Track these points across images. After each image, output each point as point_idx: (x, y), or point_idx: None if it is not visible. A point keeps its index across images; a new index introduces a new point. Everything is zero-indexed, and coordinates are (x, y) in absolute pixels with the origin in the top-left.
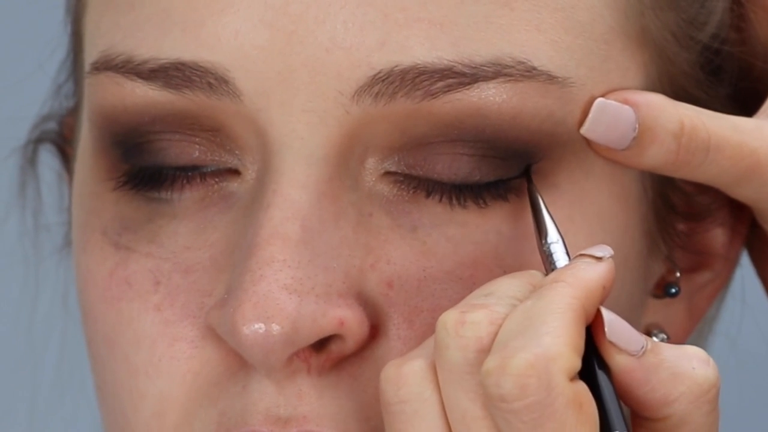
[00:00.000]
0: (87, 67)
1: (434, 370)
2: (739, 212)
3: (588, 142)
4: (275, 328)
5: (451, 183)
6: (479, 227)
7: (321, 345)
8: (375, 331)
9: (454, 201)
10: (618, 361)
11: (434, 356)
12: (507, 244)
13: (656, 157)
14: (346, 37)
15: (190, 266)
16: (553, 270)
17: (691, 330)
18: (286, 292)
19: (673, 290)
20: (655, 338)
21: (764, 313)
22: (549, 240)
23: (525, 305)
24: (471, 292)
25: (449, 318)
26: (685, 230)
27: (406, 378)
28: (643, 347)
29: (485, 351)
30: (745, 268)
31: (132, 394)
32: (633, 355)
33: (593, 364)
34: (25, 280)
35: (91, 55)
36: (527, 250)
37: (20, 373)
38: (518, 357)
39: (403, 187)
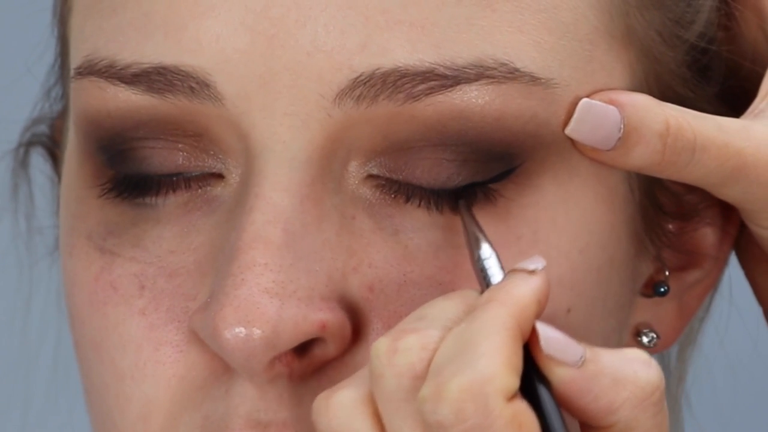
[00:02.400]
0: (71, 71)
1: (367, 399)
2: (728, 211)
3: (573, 143)
4: (256, 332)
5: (430, 188)
6: (460, 232)
7: (303, 349)
8: (356, 335)
9: (432, 206)
10: (557, 373)
11: (370, 385)
12: None
13: (642, 157)
14: (327, 40)
15: (174, 270)
16: (487, 286)
17: (682, 329)
18: (268, 296)
19: (662, 289)
20: (645, 338)
21: (751, 313)
22: (482, 256)
23: (459, 328)
24: None
25: (381, 346)
26: (674, 230)
27: (335, 410)
28: (582, 356)
29: (420, 377)
30: (733, 268)
31: (118, 397)
32: (572, 366)
33: (533, 379)
34: (18, 283)
35: (75, 60)
36: (508, 255)
37: (14, 376)
38: (453, 382)
39: (385, 190)
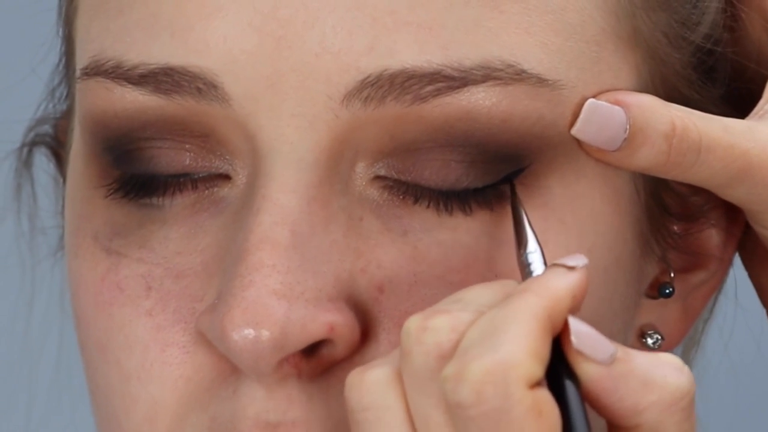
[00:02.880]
0: (77, 72)
1: (399, 377)
2: (733, 212)
3: (579, 144)
4: (264, 333)
5: (438, 189)
6: (470, 232)
7: (311, 350)
8: (365, 335)
9: (441, 207)
10: (586, 369)
11: (399, 362)
12: (498, 248)
13: (647, 158)
14: (334, 41)
15: (181, 271)
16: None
17: (687, 330)
18: (276, 298)
19: (668, 290)
20: (649, 339)
21: (755, 314)
22: (528, 249)
23: (490, 313)
24: None
25: (412, 324)
26: (679, 231)
27: (368, 385)
28: (612, 355)
29: (446, 357)
30: (736, 269)
31: (124, 398)
32: (602, 363)
33: (561, 372)
34: (21, 283)
35: (81, 60)
36: (515, 254)
37: (17, 376)
38: (475, 364)
39: (393, 192)
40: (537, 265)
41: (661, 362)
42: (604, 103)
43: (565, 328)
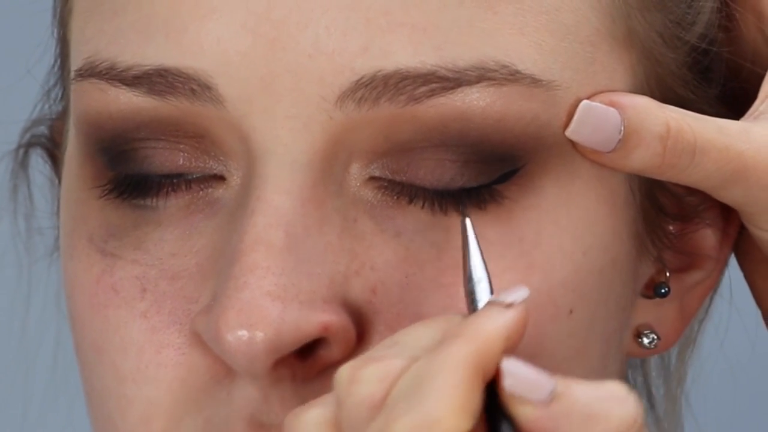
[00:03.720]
0: (72, 73)
1: (332, 420)
2: (728, 213)
3: (574, 145)
4: (259, 335)
5: (433, 189)
6: (463, 236)
7: (306, 352)
8: (360, 338)
9: (436, 207)
10: (522, 411)
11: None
12: (489, 249)
13: (642, 159)
14: (328, 42)
15: (176, 273)
16: (473, 311)
17: (683, 330)
18: (270, 299)
19: (663, 290)
20: (645, 339)
21: (750, 314)
22: (474, 279)
23: (420, 363)
24: (452, 299)
25: (343, 373)
26: (675, 231)
27: (302, 428)
28: (551, 392)
29: (378, 408)
30: (732, 269)
31: (119, 400)
32: (539, 403)
33: (497, 418)
34: (17, 283)
35: (76, 62)
36: (510, 257)
37: (13, 376)
38: (400, 422)
39: (387, 192)
40: (482, 295)
41: (603, 395)
42: (598, 104)
43: (498, 371)
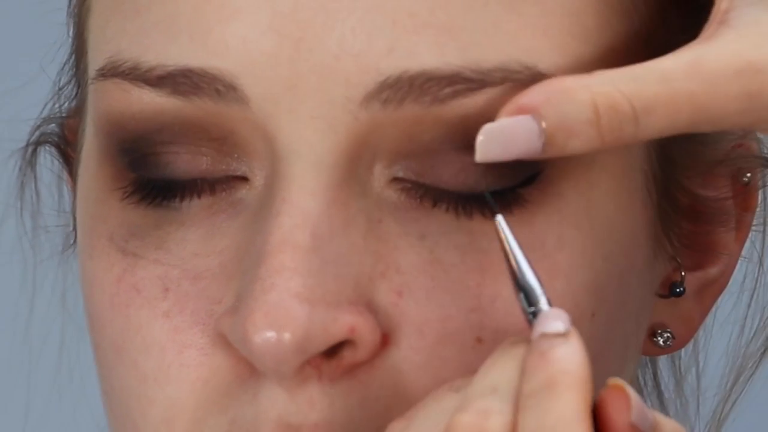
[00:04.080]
0: (92, 73)
1: None
2: (744, 203)
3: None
4: (286, 336)
5: (457, 192)
6: (486, 235)
7: (332, 352)
8: (386, 339)
9: (460, 211)
10: None
11: None
12: None
13: (581, 147)
14: (354, 43)
15: (199, 273)
16: (533, 316)
17: (697, 328)
18: (297, 301)
19: (679, 290)
20: (660, 338)
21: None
22: (526, 284)
23: (531, 421)
24: (478, 299)
25: (464, 422)
26: (690, 229)
27: None
28: (652, 425)
29: None
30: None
31: (141, 400)
32: None
33: None
34: (23, 282)
35: (96, 61)
36: (534, 259)
37: (17, 375)
38: None
39: (411, 194)
40: (542, 305)
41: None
42: (499, 122)
43: (611, 399)
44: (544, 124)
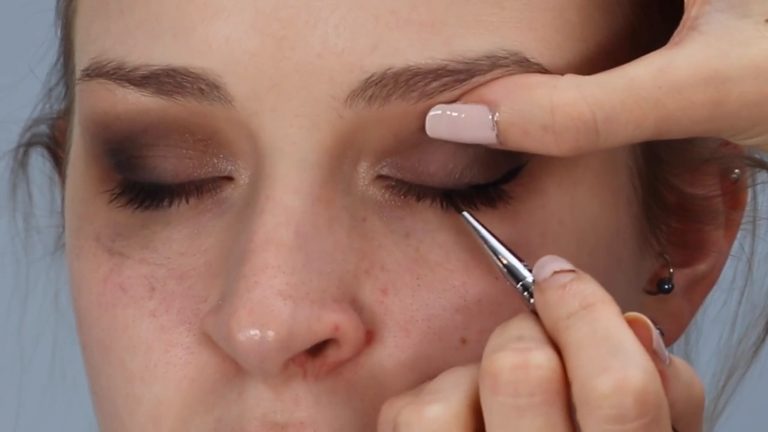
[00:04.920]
0: (78, 73)
1: (462, 414)
2: (732, 200)
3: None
4: (270, 334)
5: (442, 187)
6: (470, 234)
7: (317, 350)
8: (370, 337)
9: (444, 207)
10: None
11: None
12: None
13: (537, 148)
14: (337, 41)
15: (184, 272)
16: (524, 288)
17: (686, 325)
18: (281, 298)
19: (667, 287)
20: None
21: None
22: (513, 268)
23: (582, 333)
24: (463, 299)
25: (506, 360)
26: (678, 226)
27: (429, 423)
28: (667, 356)
29: (557, 388)
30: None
31: (128, 399)
32: (664, 364)
33: None
34: (16, 282)
35: (81, 62)
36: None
37: (10, 375)
38: (635, 376)
39: (395, 192)
40: (527, 275)
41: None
42: (454, 105)
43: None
44: (497, 117)
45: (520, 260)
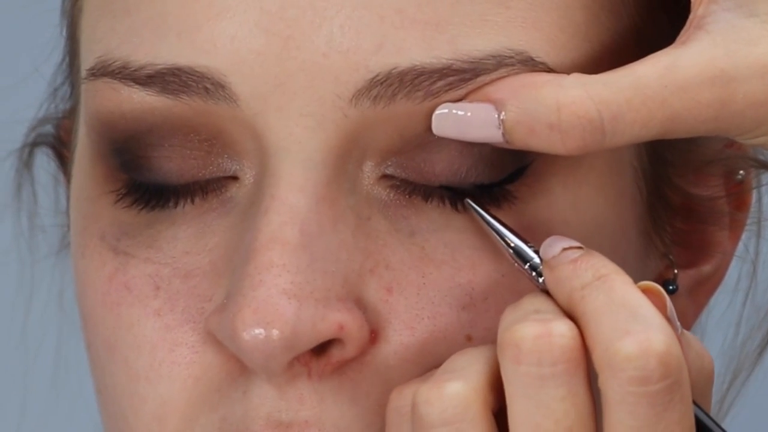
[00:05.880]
0: (83, 72)
1: (482, 389)
2: (737, 202)
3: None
4: (275, 333)
5: (448, 188)
6: (476, 232)
7: (321, 349)
8: (375, 336)
9: (450, 206)
10: None
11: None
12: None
13: (542, 147)
14: (342, 40)
15: (189, 271)
16: (532, 269)
17: (690, 326)
18: (286, 297)
19: (671, 287)
20: None
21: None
22: (521, 251)
23: (600, 301)
24: (470, 296)
25: (528, 330)
26: (683, 227)
27: (450, 399)
28: (679, 325)
29: (578, 355)
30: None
31: (132, 398)
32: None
33: None
34: (20, 282)
35: (87, 61)
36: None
37: (14, 375)
38: (657, 339)
39: (400, 191)
40: (535, 256)
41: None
42: (459, 104)
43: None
44: (503, 116)
45: (526, 242)
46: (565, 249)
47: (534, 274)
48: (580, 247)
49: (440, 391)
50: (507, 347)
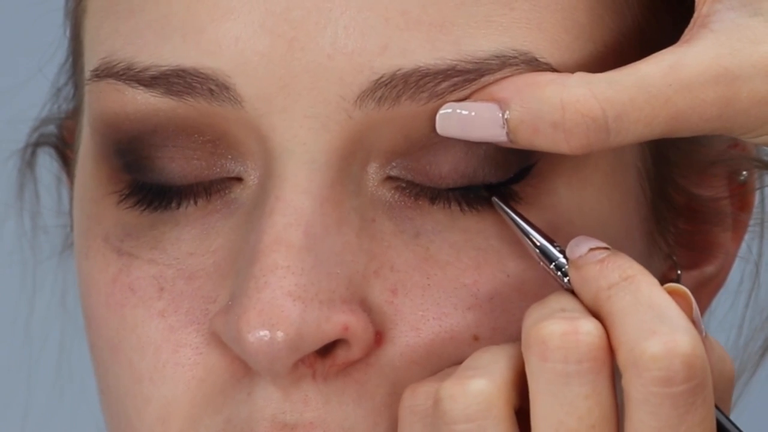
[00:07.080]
0: (87, 74)
1: (506, 386)
2: (740, 203)
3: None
4: (280, 335)
5: (452, 189)
6: (480, 233)
7: (326, 351)
8: (380, 337)
9: (455, 208)
10: None
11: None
12: (509, 248)
13: (546, 146)
14: (347, 42)
15: (193, 272)
16: (557, 268)
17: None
18: (290, 299)
19: None
20: None
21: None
22: (548, 250)
23: (626, 301)
24: (475, 297)
25: (554, 328)
26: (686, 228)
27: (474, 396)
28: (704, 328)
29: (604, 355)
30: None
31: (136, 399)
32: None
33: None
34: (23, 282)
35: (91, 62)
36: (529, 256)
37: (17, 375)
38: (683, 340)
39: (405, 192)
40: (561, 257)
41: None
42: (463, 103)
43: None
44: (507, 115)
45: (552, 242)
46: (592, 249)
47: (559, 273)
48: (606, 248)
49: (464, 387)
50: (533, 344)
